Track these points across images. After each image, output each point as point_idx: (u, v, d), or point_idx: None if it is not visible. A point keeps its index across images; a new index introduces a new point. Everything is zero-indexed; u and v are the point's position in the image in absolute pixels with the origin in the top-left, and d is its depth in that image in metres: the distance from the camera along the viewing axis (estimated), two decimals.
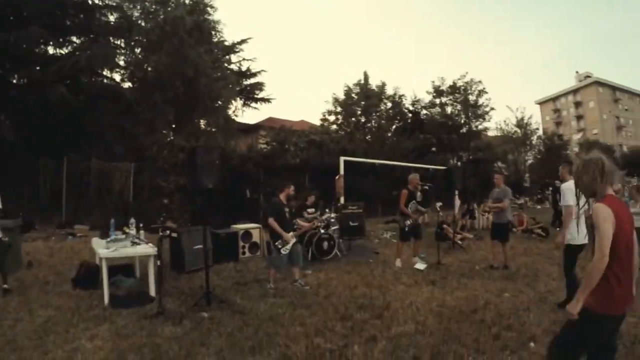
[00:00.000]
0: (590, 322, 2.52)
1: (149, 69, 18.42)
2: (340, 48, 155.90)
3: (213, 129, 21.29)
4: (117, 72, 19.44)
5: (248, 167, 17.79)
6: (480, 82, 30.40)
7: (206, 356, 3.96)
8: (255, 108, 26.27)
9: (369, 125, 29.16)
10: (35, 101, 14.32)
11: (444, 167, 16.32)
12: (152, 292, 5.96)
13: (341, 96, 29.42)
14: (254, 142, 25.40)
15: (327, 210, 9.93)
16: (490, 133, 34.56)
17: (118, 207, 14.67)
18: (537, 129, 40.48)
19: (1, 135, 14.17)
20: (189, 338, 4.41)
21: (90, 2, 17.59)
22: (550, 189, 19.05)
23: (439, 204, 9.55)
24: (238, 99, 24.18)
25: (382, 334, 4.56)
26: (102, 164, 15.70)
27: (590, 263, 2.45)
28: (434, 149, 29.90)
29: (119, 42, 19.09)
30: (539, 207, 26.79)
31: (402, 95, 30.07)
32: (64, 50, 17.67)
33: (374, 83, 29.55)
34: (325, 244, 9.27)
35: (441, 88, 30.55)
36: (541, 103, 77.99)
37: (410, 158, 23.81)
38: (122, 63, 19.14)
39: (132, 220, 6.68)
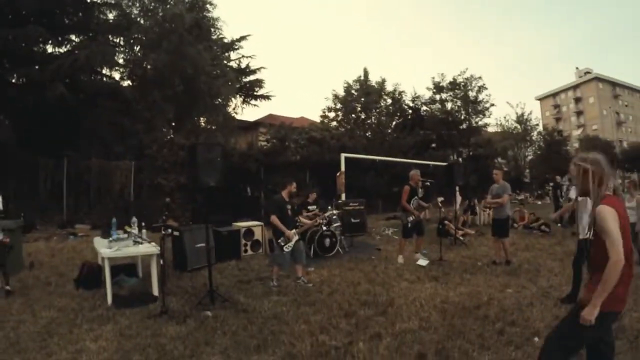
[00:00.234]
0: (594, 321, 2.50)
1: (148, 67, 18.34)
2: (339, 44, 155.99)
3: (213, 127, 21.24)
4: (116, 70, 19.37)
5: (248, 164, 17.74)
6: (480, 78, 30.38)
7: (211, 355, 3.95)
8: (254, 105, 26.20)
9: (369, 121, 29.14)
10: (34, 100, 14.28)
11: (445, 164, 16.29)
12: (155, 291, 5.93)
13: (341, 93, 29.40)
14: (254, 140, 25.37)
15: (329, 207, 9.92)
16: (491, 129, 34.63)
17: (119, 206, 14.68)
18: (537, 124, 40.54)
19: (0, 135, 14.13)
20: (193, 337, 4.39)
21: (88, 0, 17.52)
22: (551, 184, 19.06)
23: (440, 199, 9.54)
24: (237, 96, 24.12)
25: (387, 331, 4.57)
26: (102, 162, 15.70)
27: (607, 267, 2.41)
28: (433, 145, 29.88)
29: (118, 40, 18.99)
30: (539, 202, 26.82)
31: (402, 91, 30.07)
32: (63, 49, 17.59)
33: (373, 79, 29.55)
34: (327, 241, 9.27)
35: (441, 84, 30.50)
36: (541, 99, 78.08)
37: (410, 154, 23.83)
38: (121, 61, 19.07)
39: (134, 220, 6.64)
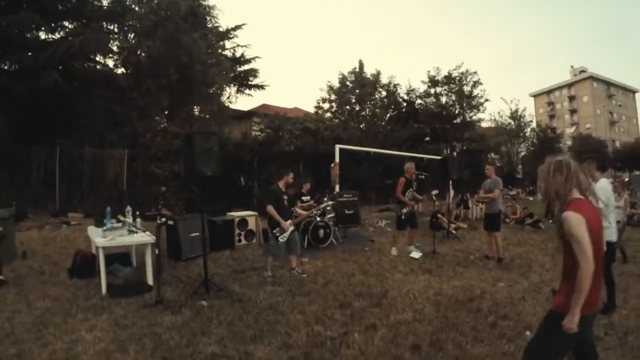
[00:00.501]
0: (560, 325, 2.49)
1: (143, 54, 18.15)
2: (334, 35, 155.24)
3: (207, 116, 21.12)
4: (110, 57, 19.15)
5: (242, 154, 17.70)
6: (475, 73, 30.52)
7: (208, 345, 3.95)
8: (248, 95, 26.08)
9: (363, 113, 29.14)
10: (27, 88, 14.09)
11: (439, 157, 16.33)
12: (150, 280, 5.91)
13: (336, 84, 29.33)
14: (248, 129, 25.26)
15: (325, 199, 9.93)
16: (484, 124, 34.75)
17: (112, 194, 14.59)
18: (531, 121, 40.81)
19: None
20: (189, 327, 4.39)
21: None
22: None
23: (435, 192, 9.57)
24: (232, 85, 23.99)
25: (382, 322, 4.60)
26: (95, 151, 15.58)
27: (578, 276, 2.40)
28: (427, 138, 29.97)
29: (112, 27, 18.77)
30: (531, 198, 27.04)
31: (397, 84, 30.12)
32: (56, 36, 17.37)
33: (369, 72, 29.51)
34: (322, 232, 9.30)
35: (436, 78, 30.57)
36: (535, 96, 78.42)
37: (404, 147, 23.88)
38: (115, 49, 18.84)
39: (129, 209, 6.61)
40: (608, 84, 72.42)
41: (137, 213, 6.74)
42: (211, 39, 20.89)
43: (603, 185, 5.14)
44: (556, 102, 76.54)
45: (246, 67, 25.54)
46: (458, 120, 30.97)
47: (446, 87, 30.64)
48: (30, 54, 15.41)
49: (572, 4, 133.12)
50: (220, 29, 22.84)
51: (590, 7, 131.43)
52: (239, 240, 9.24)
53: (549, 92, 77.52)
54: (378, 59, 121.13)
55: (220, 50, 22.35)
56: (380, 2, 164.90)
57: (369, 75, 29.34)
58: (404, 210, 8.46)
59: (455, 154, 29.53)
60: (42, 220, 12.44)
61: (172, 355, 3.75)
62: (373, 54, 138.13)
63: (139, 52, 18.47)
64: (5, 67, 16.14)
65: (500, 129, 37.85)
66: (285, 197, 6.78)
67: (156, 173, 15.62)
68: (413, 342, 4.08)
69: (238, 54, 24.95)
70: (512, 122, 38.35)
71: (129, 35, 19.02)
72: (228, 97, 23.60)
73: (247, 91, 25.87)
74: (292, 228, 6.64)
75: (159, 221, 5.39)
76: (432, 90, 30.86)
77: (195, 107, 21.09)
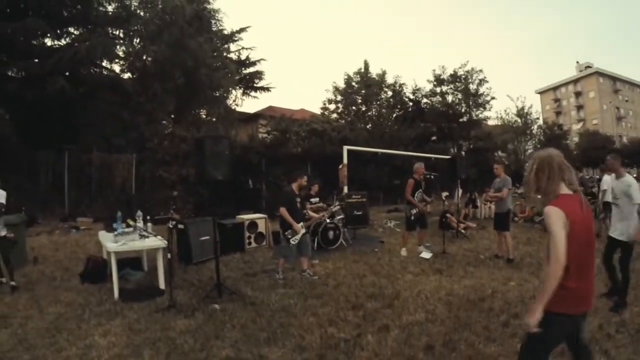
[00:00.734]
0: (546, 323, 2.49)
1: (149, 59, 18.24)
2: (339, 36, 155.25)
3: (213, 119, 21.19)
4: (116, 63, 19.25)
5: (250, 156, 17.73)
6: (481, 71, 30.39)
7: (222, 349, 3.96)
8: (254, 97, 26.18)
9: (369, 114, 29.11)
10: (33, 94, 14.20)
11: (448, 157, 16.29)
12: (162, 284, 5.94)
13: (341, 85, 29.34)
14: (254, 132, 25.32)
15: (337, 202, 9.93)
16: (491, 122, 34.61)
17: (120, 199, 14.67)
18: (538, 118, 40.59)
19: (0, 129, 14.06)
20: (202, 331, 4.41)
21: None
22: None
23: (445, 194, 9.54)
24: (237, 88, 24.05)
25: (394, 323, 4.61)
26: (103, 155, 15.68)
27: (546, 268, 2.43)
28: (434, 137, 29.88)
29: (117, 33, 18.87)
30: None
31: (403, 84, 30.07)
32: (62, 42, 17.49)
33: (374, 72, 29.49)
34: (331, 234, 9.30)
35: (442, 77, 30.46)
36: (541, 92, 78.01)
37: (411, 147, 23.84)
38: (121, 54, 18.92)
39: (139, 213, 6.63)
40: (614, 79, 71.81)
41: (148, 217, 6.77)
42: (216, 42, 20.95)
43: (630, 181, 5.07)
44: (562, 99, 76.07)
45: (251, 69, 25.63)
46: (464, 118, 30.85)
47: (452, 86, 30.53)
48: (36, 60, 15.53)
49: None
50: (225, 32, 22.91)
51: (594, 1, 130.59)
52: (249, 243, 9.25)
53: (555, 88, 77.06)
54: (383, 59, 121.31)
55: (225, 54, 22.43)
56: (384, 1, 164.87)
57: (374, 76, 29.32)
58: (413, 211, 8.43)
59: (463, 153, 29.44)
60: (52, 225, 12.53)
61: (186, 359, 3.77)
62: (378, 54, 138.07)
63: (144, 57, 18.55)
64: (13, 74, 16.27)
65: (506, 126, 37.68)
66: (299, 200, 6.78)
67: (164, 177, 15.69)
68: (426, 342, 4.09)
69: (243, 57, 25.06)
70: (519, 120, 38.18)
71: (135, 40, 19.12)
72: (234, 100, 23.68)
73: (252, 93, 25.97)
74: (303, 230, 6.64)
75: (170, 225, 5.39)
76: (438, 89, 30.76)
77: (201, 110, 21.16)
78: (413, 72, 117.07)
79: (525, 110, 38.23)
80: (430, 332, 4.36)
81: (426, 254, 8.31)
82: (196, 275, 6.93)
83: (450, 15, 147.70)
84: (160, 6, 18.16)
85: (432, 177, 9.05)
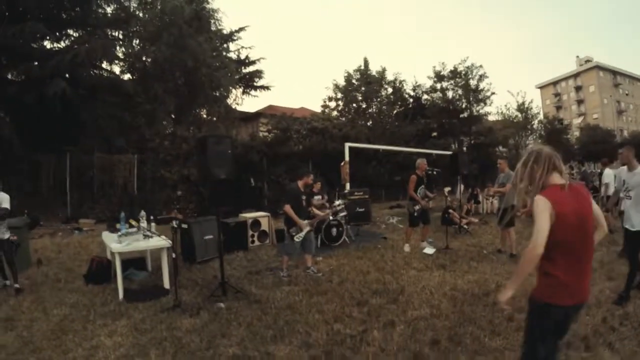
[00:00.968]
0: (536, 312, 2.57)
1: (149, 60, 18.25)
2: (338, 34, 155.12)
3: (214, 118, 21.20)
4: (116, 64, 19.27)
5: (251, 155, 17.73)
6: (481, 66, 30.25)
7: (228, 347, 3.97)
8: (254, 96, 26.16)
9: (370, 111, 29.09)
10: (34, 97, 14.20)
11: (449, 152, 16.27)
12: (166, 284, 5.96)
13: (341, 82, 29.31)
14: (255, 131, 25.34)
15: (341, 200, 9.92)
16: (491, 118, 34.47)
17: (122, 200, 14.69)
18: (538, 113, 40.25)
19: (0, 132, 14.08)
20: (208, 329, 4.42)
21: None
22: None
23: (447, 189, 9.52)
24: (237, 87, 24.06)
25: (400, 319, 4.62)
26: (104, 157, 15.69)
27: (523, 253, 2.47)
28: (434, 134, 29.83)
29: (116, 34, 18.86)
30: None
31: (403, 80, 30.02)
32: (62, 44, 17.48)
33: (374, 69, 29.44)
34: (334, 230, 9.30)
35: (442, 73, 30.39)
36: (542, 87, 77.79)
37: (412, 143, 23.83)
38: (120, 55, 18.93)
39: (143, 213, 6.64)
40: (614, 73, 71.56)
41: (152, 217, 6.78)
42: (215, 42, 20.95)
43: None
44: (563, 93, 75.86)
45: (251, 68, 25.63)
46: (465, 114, 30.75)
47: (452, 82, 30.41)
48: (36, 63, 15.53)
49: None
50: (224, 32, 22.90)
51: None
52: (252, 242, 9.24)
53: (555, 83, 76.82)
54: (383, 56, 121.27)
55: (225, 53, 22.43)
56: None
57: (374, 73, 29.28)
58: (417, 207, 8.43)
59: (465, 148, 29.40)
60: (54, 227, 12.54)
61: (193, 358, 3.78)
62: (378, 51, 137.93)
63: (144, 58, 18.57)
64: (12, 77, 16.28)
65: (507, 122, 37.54)
66: (304, 197, 6.78)
67: (165, 177, 15.71)
68: (432, 337, 4.11)
69: (243, 56, 25.05)
70: (519, 115, 38.05)
71: (134, 41, 19.14)
72: (234, 99, 23.69)
73: (253, 92, 25.96)
74: (308, 228, 6.65)
75: (174, 225, 5.39)
76: (438, 85, 30.65)
77: (202, 110, 21.17)
78: (413, 69, 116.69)
79: (526, 105, 37.99)
80: (436, 326, 4.38)
81: (429, 250, 8.31)
82: (200, 274, 6.94)
83: (449, 11, 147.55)
84: (159, 7, 18.17)
85: (435, 173, 9.04)
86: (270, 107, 31.78)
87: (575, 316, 2.70)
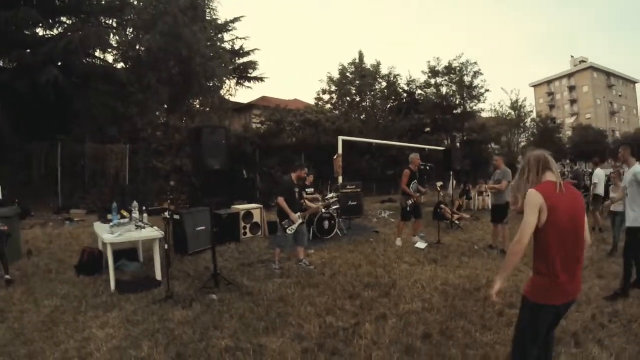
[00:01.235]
0: (527, 311, 2.63)
1: (142, 49, 18.05)
2: (334, 27, 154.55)
3: (207, 109, 21.07)
4: (109, 52, 19.06)
5: (244, 147, 17.67)
6: (475, 63, 30.32)
7: (221, 339, 3.96)
8: (248, 87, 26.04)
9: (363, 104, 29.09)
10: (26, 84, 14.02)
11: (442, 148, 16.33)
12: (158, 276, 5.93)
13: (336, 75, 29.25)
14: (249, 122, 25.24)
15: (333, 193, 9.93)
16: (485, 115, 34.62)
17: (114, 190, 14.59)
18: (531, 111, 40.52)
19: None
20: (201, 321, 4.41)
21: None
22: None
23: (439, 184, 9.57)
24: (231, 78, 23.92)
25: (392, 312, 4.65)
26: (96, 146, 15.55)
27: (510, 245, 2.56)
28: (428, 129, 29.90)
29: (110, 22, 18.64)
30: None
31: (398, 75, 30.06)
32: (55, 32, 17.26)
33: (369, 62, 29.42)
34: (327, 224, 9.32)
35: (437, 69, 30.42)
36: (535, 86, 78.08)
37: (405, 138, 23.87)
38: (114, 43, 18.71)
39: (135, 204, 6.60)
40: (608, 74, 72.07)
41: (144, 208, 6.73)
42: (210, 32, 20.75)
43: (635, 170, 5.13)
44: (556, 93, 76.24)
45: (245, 59, 25.50)
46: (459, 110, 30.85)
47: (447, 78, 30.47)
48: (29, 50, 15.34)
49: None
50: (219, 22, 22.70)
51: None
52: (245, 234, 9.24)
53: (549, 82, 77.15)
54: (378, 49, 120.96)
55: (219, 43, 22.24)
56: None
57: (369, 66, 29.28)
58: (409, 202, 8.46)
59: (458, 144, 29.52)
60: (45, 218, 12.44)
61: (186, 350, 3.76)
62: (373, 44, 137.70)
63: (138, 47, 18.37)
64: (4, 65, 16.07)
65: (500, 119, 37.71)
66: (297, 190, 6.78)
67: (158, 168, 15.62)
68: (424, 331, 4.14)
69: (237, 47, 24.88)
70: (513, 113, 38.20)
71: (128, 29, 18.92)
72: (228, 90, 23.54)
73: (246, 84, 25.86)
74: (300, 220, 6.65)
75: (167, 215, 5.36)
76: (433, 81, 30.71)
77: (195, 100, 21.02)
78: (408, 64, 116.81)
79: (519, 103, 38.24)
80: (428, 320, 4.41)
81: (421, 244, 8.35)
82: (192, 266, 6.92)
83: (445, 8, 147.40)
84: None
85: (428, 168, 9.07)
86: (264, 98, 31.66)
87: (565, 312, 2.76)
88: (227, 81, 22.81)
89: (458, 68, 30.13)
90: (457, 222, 11.08)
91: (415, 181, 8.56)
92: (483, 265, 6.85)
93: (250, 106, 31.12)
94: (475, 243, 8.80)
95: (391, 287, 5.56)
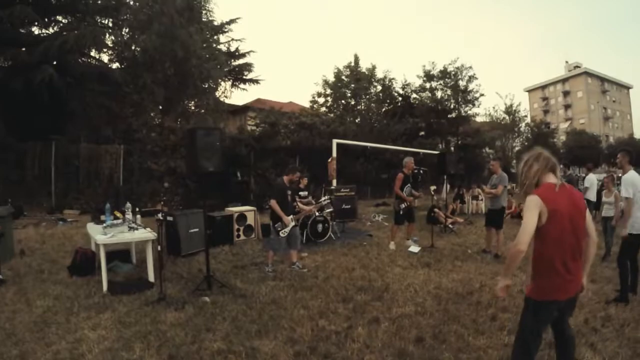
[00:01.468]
0: (530, 309, 2.69)
1: (138, 49, 18.00)
2: (329, 30, 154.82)
3: (202, 111, 21.03)
4: (104, 52, 18.98)
5: (239, 149, 17.64)
6: (470, 67, 30.44)
7: (213, 341, 3.96)
8: (243, 89, 26.08)
9: (358, 108, 29.13)
10: (20, 83, 13.93)
11: (436, 152, 16.37)
12: (151, 277, 5.91)
13: (331, 78, 29.29)
14: (243, 124, 25.22)
15: (327, 196, 9.92)
16: (479, 119, 34.79)
17: (108, 191, 14.52)
18: (526, 116, 40.78)
19: None
20: (193, 323, 4.40)
21: None
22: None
23: (433, 188, 9.59)
24: (227, 79, 23.89)
25: (384, 316, 4.66)
26: (90, 146, 15.47)
27: (510, 247, 2.62)
28: (422, 133, 29.98)
29: (106, 22, 18.57)
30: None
31: (393, 78, 30.11)
32: (50, 30, 17.17)
33: (364, 66, 29.49)
34: (320, 227, 9.29)
35: (432, 73, 30.50)
36: (530, 91, 78.64)
37: (400, 142, 23.92)
38: (110, 43, 18.64)
39: (128, 205, 6.58)
40: (602, 79, 72.71)
41: (137, 209, 6.71)
42: (206, 33, 20.72)
43: (629, 177, 5.18)
44: (550, 98, 76.73)
45: (241, 61, 25.53)
46: (453, 114, 30.95)
47: (441, 82, 30.57)
48: (23, 49, 15.25)
49: None
50: (215, 23, 22.67)
51: (585, 2, 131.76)
52: (238, 236, 9.23)
53: (544, 87, 77.67)
54: (374, 53, 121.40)
55: (215, 45, 22.21)
56: None
57: (364, 70, 29.33)
58: (402, 206, 8.48)
59: (452, 148, 29.61)
60: (38, 217, 12.36)
61: (178, 352, 3.75)
62: (369, 47, 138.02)
63: (133, 47, 18.31)
64: None
65: (495, 123, 37.92)
66: (289, 192, 6.79)
67: (152, 169, 15.57)
68: (416, 334, 4.15)
69: (233, 48, 24.90)
70: (507, 117, 38.43)
71: (124, 29, 18.84)
72: (223, 92, 23.51)
73: (242, 85, 25.90)
74: (293, 223, 6.65)
75: (160, 217, 5.34)
76: (428, 85, 30.79)
77: (190, 102, 20.97)
78: (403, 67, 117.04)
79: (514, 108, 38.48)
80: (420, 324, 4.42)
81: (414, 248, 8.36)
82: (185, 267, 6.91)
83: (441, 12, 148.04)
84: None
85: (422, 171, 9.09)
86: (259, 100, 31.67)
87: (568, 308, 2.81)
88: (223, 83, 22.80)
89: (453, 72, 30.24)
90: (450, 226, 11.11)
91: (409, 185, 8.58)
92: (476, 269, 6.87)
93: (245, 108, 31.12)
94: (469, 247, 8.83)
95: (384, 291, 5.57)
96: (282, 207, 6.48)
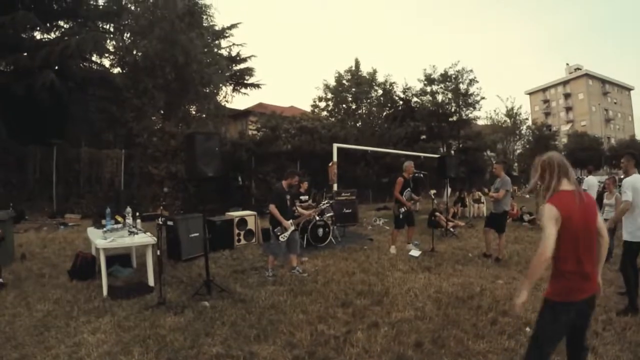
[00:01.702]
0: (548, 310, 2.69)
1: (139, 54, 18.08)
2: (330, 34, 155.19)
3: (203, 115, 21.09)
4: (106, 57, 19.09)
5: (239, 153, 17.66)
6: (471, 71, 30.47)
7: (212, 346, 3.95)
8: (244, 94, 26.12)
9: (359, 112, 29.15)
10: (22, 88, 14.00)
11: (436, 156, 16.37)
12: (151, 281, 5.91)
13: (332, 82, 29.34)
14: (244, 128, 25.27)
15: (328, 200, 9.92)
16: (480, 122, 34.77)
17: (109, 195, 14.55)
18: (527, 119, 40.83)
19: None
20: (192, 328, 4.40)
21: None
22: None
23: (433, 192, 9.58)
24: (228, 84, 23.97)
25: (384, 320, 4.64)
26: (92, 151, 15.52)
27: (533, 258, 2.60)
28: (423, 136, 29.97)
29: (108, 27, 18.69)
30: (527, 196, 27.20)
31: (393, 82, 30.14)
32: (52, 36, 17.28)
33: (365, 70, 29.53)
34: (321, 231, 9.29)
35: (432, 76, 30.52)
36: (531, 93, 78.57)
37: (400, 146, 23.92)
38: (111, 48, 18.76)
39: (129, 209, 6.60)
40: (603, 81, 72.58)
41: (137, 214, 6.72)
42: (207, 38, 20.82)
43: (631, 180, 5.13)
44: (552, 100, 76.65)
45: (242, 66, 25.65)
46: (454, 118, 30.95)
47: (442, 85, 30.60)
48: (25, 54, 15.32)
49: (567, 1, 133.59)
50: (216, 28, 22.79)
51: (585, 4, 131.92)
52: (238, 240, 9.22)
53: (545, 89, 77.61)
54: (374, 57, 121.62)
55: (216, 50, 22.30)
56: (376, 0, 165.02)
57: (365, 74, 29.36)
58: (402, 210, 8.47)
59: (453, 152, 29.59)
60: (40, 222, 12.39)
61: (176, 356, 3.76)
62: (369, 51, 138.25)
63: (135, 52, 18.40)
64: (1, 68, 16.04)
65: (496, 126, 37.92)
66: (288, 197, 6.78)
67: (153, 173, 15.59)
68: (415, 339, 4.13)
69: (234, 53, 25.00)
70: (508, 120, 38.43)
71: (125, 34, 18.97)
72: (224, 97, 23.61)
73: (243, 90, 26.03)
74: (293, 227, 6.65)
75: (160, 221, 5.35)
76: (429, 89, 30.79)
77: (191, 106, 21.04)
78: (403, 71, 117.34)
79: (515, 111, 38.49)
80: (420, 329, 4.40)
81: (415, 252, 8.33)
82: (185, 272, 6.91)
83: (442, 15, 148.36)
84: (151, 1, 18.01)
85: (422, 175, 9.08)
86: (260, 105, 31.71)
87: (587, 310, 2.77)
88: (224, 87, 22.92)
89: (454, 75, 30.27)
90: (451, 229, 11.09)
91: (409, 189, 8.57)
92: (477, 273, 6.84)
93: (246, 113, 31.17)
94: (470, 251, 8.80)
95: (384, 295, 5.56)
96: (281, 212, 6.47)
